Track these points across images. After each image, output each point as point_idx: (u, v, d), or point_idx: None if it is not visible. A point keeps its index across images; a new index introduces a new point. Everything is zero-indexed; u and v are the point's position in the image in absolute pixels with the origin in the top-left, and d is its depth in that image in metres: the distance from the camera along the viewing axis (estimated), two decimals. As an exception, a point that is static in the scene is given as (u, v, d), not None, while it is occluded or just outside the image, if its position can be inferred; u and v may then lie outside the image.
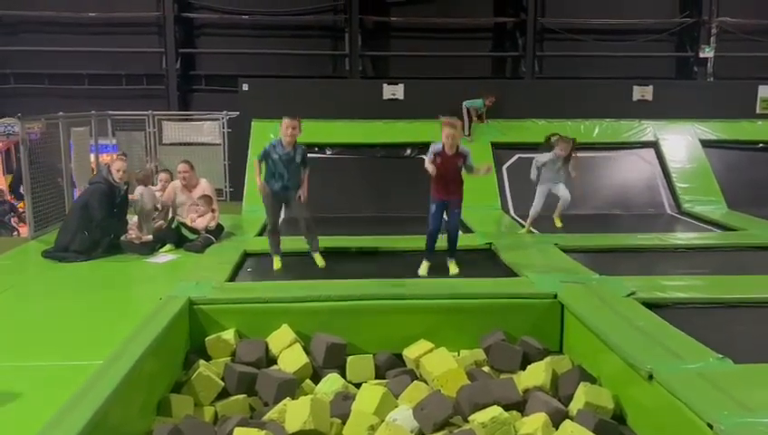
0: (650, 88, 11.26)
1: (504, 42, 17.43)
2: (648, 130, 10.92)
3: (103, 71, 16.36)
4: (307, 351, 5.15)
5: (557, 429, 4.09)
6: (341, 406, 4.44)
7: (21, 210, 11.89)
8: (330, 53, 17.01)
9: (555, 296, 5.50)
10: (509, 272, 6.40)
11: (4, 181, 13.32)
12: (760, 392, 3.69)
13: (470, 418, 4.22)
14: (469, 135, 10.54)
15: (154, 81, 16.65)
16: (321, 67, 16.72)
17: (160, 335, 4.56)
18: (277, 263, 6.65)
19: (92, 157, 10.94)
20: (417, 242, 6.78)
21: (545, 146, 8.13)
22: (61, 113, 9.05)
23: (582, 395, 4.33)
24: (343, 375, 5.01)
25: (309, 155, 6.73)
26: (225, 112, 12.41)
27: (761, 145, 11.00)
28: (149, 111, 12.44)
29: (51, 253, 7.06)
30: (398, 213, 9.09)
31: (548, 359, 4.94)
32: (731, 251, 7.43)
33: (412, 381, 4.77)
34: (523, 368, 4.97)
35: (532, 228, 8.09)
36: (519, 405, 4.42)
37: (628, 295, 5.43)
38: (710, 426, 3.36)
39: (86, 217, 7.07)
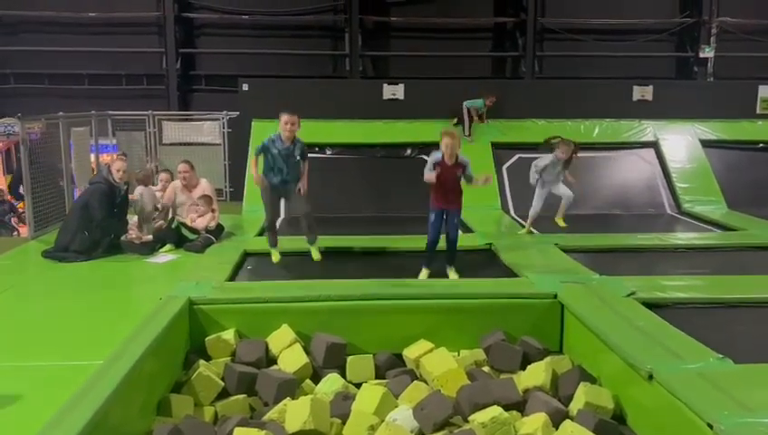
0: (650, 88, 11.27)
1: (504, 42, 17.43)
2: (648, 130, 10.92)
3: (103, 71, 16.35)
4: (307, 351, 5.15)
5: (557, 429, 4.09)
6: (341, 406, 4.44)
7: (21, 210, 11.89)
8: (330, 53, 17.01)
9: (555, 296, 5.50)
10: (509, 272, 6.40)
11: (3, 181, 13.32)
12: (760, 392, 3.69)
13: (470, 418, 4.22)
14: (469, 135, 10.54)
15: (154, 81, 16.65)
16: (321, 67, 16.72)
17: (160, 335, 4.57)
18: (276, 256, 6.66)
19: (92, 157, 10.94)
20: (418, 242, 6.78)
21: (544, 147, 8.10)
22: (61, 113, 9.05)
23: (582, 395, 4.33)
24: (343, 375, 5.01)
25: (309, 155, 6.73)
26: (225, 112, 12.42)
27: (761, 145, 11.01)
28: (150, 111, 12.44)
29: (51, 253, 7.06)
30: (398, 213, 9.09)
31: (548, 359, 4.94)
32: (731, 251, 7.43)
33: (412, 381, 4.77)
34: (523, 368, 4.97)
35: (532, 229, 8.08)
36: (519, 405, 4.42)
37: (629, 295, 5.43)
38: (710, 426, 3.36)
39: (86, 217, 7.08)
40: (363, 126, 10.73)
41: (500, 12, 17.13)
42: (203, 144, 12.52)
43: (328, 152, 10.45)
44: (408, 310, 5.45)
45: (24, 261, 7.21)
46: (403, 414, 4.28)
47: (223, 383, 4.77)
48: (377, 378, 5.05)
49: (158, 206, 7.95)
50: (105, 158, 11.08)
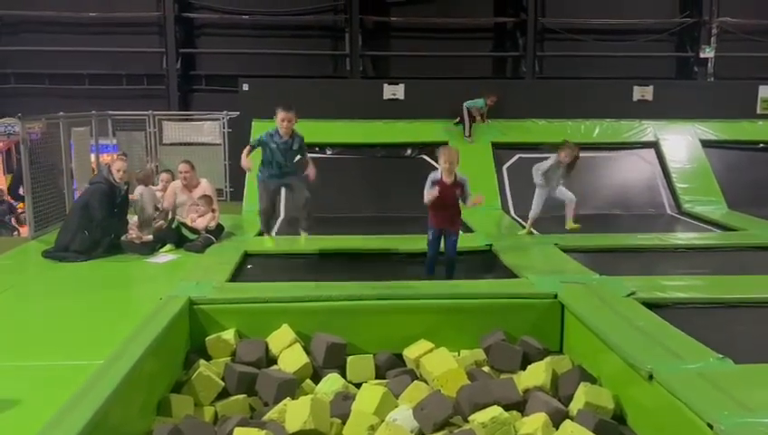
0: (651, 88, 11.27)
1: (505, 42, 17.43)
2: (648, 130, 10.92)
3: (104, 71, 16.36)
4: (307, 351, 5.15)
5: (557, 429, 4.09)
6: (341, 406, 4.44)
7: (20, 211, 11.89)
8: (330, 53, 17.01)
9: (555, 296, 5.49)
10: (509, 272, 6.40)
11: (3, 181, 13.33)
12: (760, 392, 3.69)
13: (470, 418, 4.22)
14: (470, 136, 10.54)
15: (154, 81, 16.66)
16: (321, 67, 16.72)
17: (160, 335, 4.56)
18: (270, 242, 6.66)
19: (93, 157, 10.94)
20: (418, 242, 6.78)
21: (548, 148, 8.05)
22: (61, 113, 9.06)
23: (582, 395, 4.33)
24: (343, 375, 5.00)
25: (309, 155, 6.74)
26: (225, 112, 12.42)
27: (761, 145, 11.01)
28: (150, 111, 12.45)
29: (51, 253, 7.06)
30: (398, 213, 9.09)
31: (548, 359, 4.94)
32: (731, 251, 7.43)
33: (412, 381, 4.76)
34: (524, 368, 4.97)
35: (532, 229, 8.08)
36: (519, 405, 4.42)
37: (629, 295, 5.43)
38: (710, 426, 3.36)
39: (86, 216, 7.08)
40: (363, 126, 10.73)
41: (500, 12, 17.14)
42: (203, 144, 12.53)
43: (328, 152, 10.45)
44: (409, 310, 5.45)
45: (25, 261, 7.21)
46: (403, 414, 4.28)
47: (223, 383, 4.77)
48: (377, 378, 5.05)
49: (159, 206, 7.95)
50: (105, 158, 11.08)
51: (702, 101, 11.21)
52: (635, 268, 6.51)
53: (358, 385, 4.82)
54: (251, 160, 6.45)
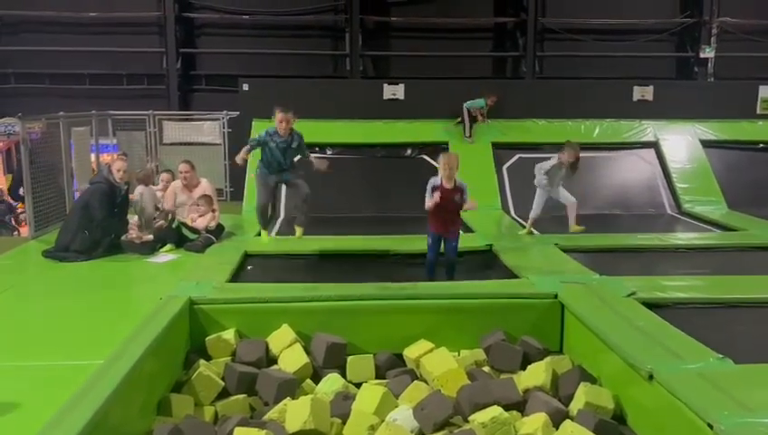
0: (651, 88, 11.28)
1: (505, 42, 17.42)
2: (648, 130, 10.92)
3: (104, 70, 16.35)
4: (307, 351, 5.15)
5: (557, 429, 4.09)
6: (342, 406, 4.44)
7: (19, 211, 11.89)
8: (330, 52, 17.00)
9: (555, 296, 5.50)
10: (509, 272, 6.40)
11: (4, 181, 13.32)
12: (760, 392, 3.69)
13: (470, 418, 4.23)
14: (470, 136, 10.55)
15: (155, 80, 16.65)
16: (321, 67, 16.71)
17: (161, 335, 4.57)
18: (265, 237, 6.68)
19: (93, 157, 10.94)
20: (418, 242, 6.78)
21: (549, 149, 8.03)
22: (61, 113, 9.05)
23: (582, 395, 4.33)
24: (343, 375, 5.01)
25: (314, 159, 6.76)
26: (225, 112, 12.42)
27: (761, 145, 11.01)
28: (150, 111, 12.45)
29: (51, 253, 7.06)
30: (398, 213, 9.09)
31: (548, 359, 4.94)
32: (731, 251, 7.43)
33: (412, 381, 4.77)
34: (524, 368, 4.97)
35: (532, 229, 8.08)
36: (519, 405, 4.42)
37: (629, 296, 5.43)
38: (710, 426, 3.36)
39: (87, 216, 7.08)
40: (363, 126, 10.73)
41: (500, 12, 17.13)
42: (203, 144, 12.53)
43: (328, 152, 10.45)
44: (409, 310, 5.45)
45: (25, 261, 7.21)
46: (403, 414, 4.28)
47: (223, 383, 4.77)
48: (377, 378, 5.05)
49: (159, 206, 7.95)
50: (105, 157, 11.08)
51: (702, 101, 11.21)
52: (635, 268, 6.51)
53: (358, 385, 4.83)
54: (244, 156, 6.49)
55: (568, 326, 5.36)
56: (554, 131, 10.56)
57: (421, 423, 4.20)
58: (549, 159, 7.84)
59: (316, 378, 5.00)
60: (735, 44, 16.75)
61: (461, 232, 6.69)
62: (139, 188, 7.94)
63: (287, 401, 4.39)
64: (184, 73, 16.67)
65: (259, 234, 7.11)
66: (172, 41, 16.33)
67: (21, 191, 11.09)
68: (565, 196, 7.88)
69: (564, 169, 7.75)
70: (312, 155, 6.73)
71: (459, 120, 10.64)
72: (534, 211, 7.96)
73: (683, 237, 8.14)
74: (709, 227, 8.77)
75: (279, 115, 6.28)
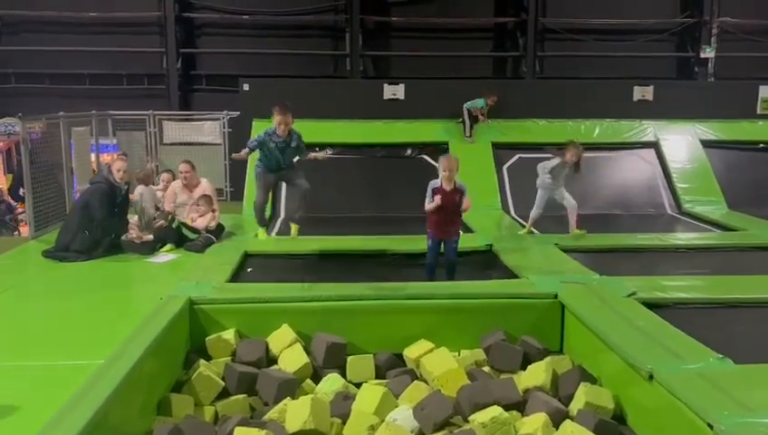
0: (651, 88, 11.26)
1: (505, 42, 17.42)
2: (648, 130, 10.91)
3: (104, 70, 16.35)
4: (307, 350, 5.15)
5: (557, 429, 4.09)
6: (342, 406, 4.44)
7: (18, 211, 11.88)
8: (330, 52, 17.00)
9: (555, 296, 5.50)
10: (509, 272, 6.40)
11: (4, 181, 13.33)
12: (760, 392, 3.69)
13: (470, 418, 4.22)
14: (470, 136, 10.55)
15: (155, 80, 16.65)
16: (321, 67, 16.71)
17: (160, 335, 4.57)
18: (262, 234, 6.67)
19: (93, 156, 10.94)
20: (418, 243, 6.78)
21: (552, 150, 8.00)
22: (62, 113, 9.06)
23: (583, 395, 4.33)
24: (343, 375, 5.01)
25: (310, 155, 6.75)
26: (225, 112, 12.42)
27: (761, 145, 11.00)
28: (150, 111, 12.46)
29: (51, 252, 7.06)
30: (398, 213, 9.09)
31: (548, 359, 4.94)
32: (731, 251, 7.43)
33: (412, 381, 4.77)
34: (524, 368, 4.97)
35: (532, 229, 8.07)
36: (519, 405, 4.42)
37: (629, 296, 5.43)
38: (710, 426, 3.36)
39: (87, 216, 7.08)
40: (363, 126, 10.73)
41: (500, 12, 17.13)
42: (203, 144, 12.54)
43: (328, 152, 10.44)
44: (409, 310, 5.45)
45: (25, 261, 7.21)
46: (403, 414, 4.28)
47: (223, 383, 4.77)
48: (377, 378, 5.05)
49: (159, 205, 7.95)
50: (106, 157, 11.08)
51: (702, 101, 11.21)
52: (635, 268, 6.51)
53: (358, 385, 4.83)
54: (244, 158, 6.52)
55: (568, 326, 5.36)
56: (554, 131, 10.56)
57: (421, 423, 4.20)
58: (551, 158, 7.82)
59: (316, 378, 5.00)
60: (736, 44, 16.75)
61: (461, 232, 6.68)
62: (140, 188, 7.95)
63: (287, 401, 4.39)
64: (184, 73, 16.67)
65: (257, 234, 7.11)
66: (172, 41, 16.34)
67: (21, 192, 11.09)
68: (567, 198, 7.83)
69: (568, 168, 7.73)
70: (312, 154, 6.72)
71: (460, 120, 10.63)
72: (535, 211, 7.96)
73: (683, 237, 8.14)
74: (709, 227, 8.77)
75: (277, 117, 6.29)
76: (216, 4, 16.52)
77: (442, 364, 4.88)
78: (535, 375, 4.75)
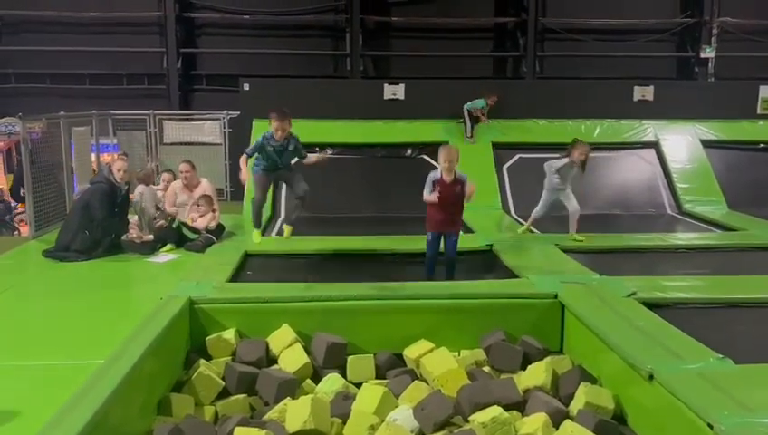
0: (651, 88, 11.26)
1: (505, 42, 17.42)
2: (648, 130, 10.91)
3: (104, 70, 16.36)
4: (307, 350, 5.15)
5: (557, 429, 4.09)
6: (342, 406, 4.44)
7: (17, 211, 11.87)
8: (331, 52, 17.01)
9: (556, 296, 5.50)
10: (509, 272, 6.40)
11: (4, 180, 13.32)
12: (760, 392, 3.69)
13: (470, 418, 4.23)
14: (471, 136, 10.54)
15: (155, 80, 16.66)
16: (322, 67, 16.72)
17: (161, 335, 4.57)
18: (257, 236, 6.68)
19: (93, 156, 10.95)
20: (418, 242, 6.77)
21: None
22: (62, 113, 9.06)
23: (583, 395, 4.33)
24: (344, 375, 5.01)
25: (310, 155, 6.74)
26: (225, 112, 12.42)
27: (761, 145, 10.99)
28: (150, 111, 12.46)
29: (52, 252, 7.06)
30: (398, 213, 9.08)
31: (548, 359, 4.94)
32: (731, 251, 7.43)
33: (412, 380, 4.77)
34: (524, 368, 4.97)
35: (532, 228, 8.06)
36: (519, 405, 4.42)
37: (629, 296, 5.43)
38: (710, 426, 3.37)
39: (87, 216, 7.09)
40: (364, 126, 10.72)
41: (501, 12, 17.13)
42: (204, 144, 12.55)
43: (328, 152, 10.45)
44: (409, 310, 5.45)
45: (25, 260, 7.21)
46: (403, 414, 4.28)
47: (223, 383, 4.77)
48: (377, 378, 5.05)
49: (160, 205, 7.95)
50: (106, 157, 11.09)
51: (702, 101, 11.20)
52: (635, 268, 6.51)
53: (358, 385, 4.83)
54: (249, 172, 6.48)
55: (568, 326, 5.36)
56: (555, 131, 10.56)
57: (421, 423, 4.20)
58: (557, 158, 7.73)
59: (316, 378, 5.01)
60: (736, 44, 16.75)
61: (461, 232, 6.67)
62: (140, 188, 7.95)
63: (287, 400, 4.39)
64: (184, 73, 16.68)
65: (262, 233, 7.09)
66: (173, 41, 16.34)
67: (22, 192, 11.09)
68: (571, 201, 7.73)
69: (576, 167, 7.67)
70: (309, 161, 6.66)
71: (461, 120, 10.63)
72: (538, 211, 7.86)
73: (683, 237, 8.14)
74: (709, 228, 8.77)
75: (274, 123, 6.30)
76: (217, 4, 16.52)
77: (442, 364, 4.88)
78: (535, 375, 4.75)
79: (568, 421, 4.10)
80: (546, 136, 10.50)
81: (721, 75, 16.68)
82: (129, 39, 16.34)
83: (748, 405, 3.51)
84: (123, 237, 7.33)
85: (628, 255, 7.22)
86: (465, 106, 10.52)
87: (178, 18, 16.36)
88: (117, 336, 4.50)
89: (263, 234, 6.98)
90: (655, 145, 10.78)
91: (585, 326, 4.96)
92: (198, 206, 7.72)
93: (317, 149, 9.96)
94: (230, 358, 5.10)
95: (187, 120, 13.42)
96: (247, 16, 16.50)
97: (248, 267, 6.77)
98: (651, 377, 3.98)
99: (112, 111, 12.27)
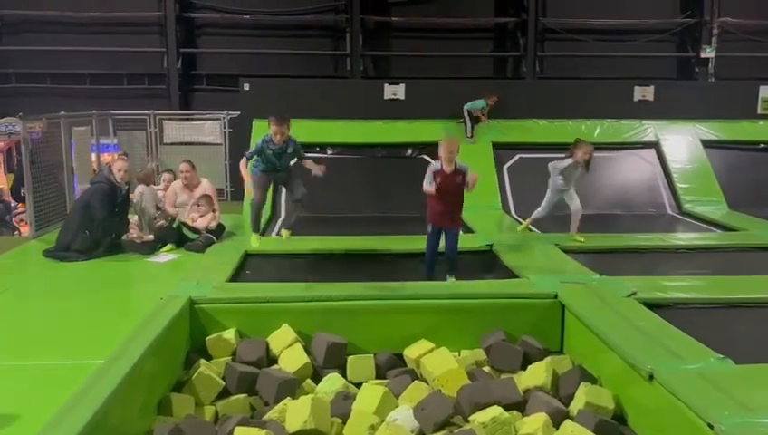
0: (651, 88, 11.26)
1: (506, 42, 17.41)
2: (649, 130, 10.91)
3: (105, 70, 16.34)
4: (308, 350, 5.15)
5: (557, 429, 4.09)
6: (342, 406, 4.44)
7: (17, 211, 11.87)
8: (331, 52, 17.00)
9: (556, 296, 5.50)
10: (510, 272, 6.40)
11: (5, 180, 13.32)
12: (760, 392, 3.69)
13: (470, 418, 4.23)
14: (471, 136, 10.54)
15: (155, 80, 16.64)
16: (322, 67, 16.71)
17: (161, 335, 4.57)
18: (255, 241, 6.67)
19: (94, 156, 10.94)
20: (418, 242, 6.77)
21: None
22: (62, 113, 9.06)
23: (583, 395, 4.33)
24: (344, 375, 5.01)
25: (310, 155, 6.74)
26: (226, 112, 12.42)
27: (762, 145, 11.00)
28: (151, 111, 12.46)
29: (52, 252, 7.07)
30: (398, 213, 9.09)
31: (548, 359, 4.95)
32: (732, 251, 7.43)
33: (413, 380, 4.77)
34: (524, 368, 4.98)
35: (531, 227, 8.05)
36: (519, 405, 4.43)
37: (629, 296, 5.43)
38: (710, 426, 3.37)
39: (87, 216, 7.09)
40: (364, 126, 10.73)
41: (501, 12, 17.12)
42: (204, 144, 12.54)
43: (329, 152, 10.46)
44: (409, 310, 5.45)
45: (25, 260, 7.21)
46: (403, 414, 4.28)
47: (223, 383, 4.77)
48: (377, 378, 5.05)
49: (160, 205, 7.95)
50: (106, 157, 11.08)
51: (703, 101, 11.20)
52: (635, 268, 6.51)
53: (358, 385, 4.83)
54: (248, 174, 6.48)
55: (568, 326, 5.36)
56: (555, 131, 10.57)
57: (421, 423, 4.20)
58: (560, 158, 7.68)
59: (316, 378, 5.01)
60: (736, 44, 16.73)
61: (461, 232, 6.66)
62: (140, 188, 7.94)
63: (287, 400, 4.40)
64: (184, 73, 16.66)
65: (262, 233, 7.10)
66: (173, 41, 16.33)
67: (22, 192, 11.09)
68: (574, 201, 7.69)
69: (580, 167, 7.64)
70: (309, 155, 6.69)
71: (461, 120, 10.64)
72: (541, 211, 7.82)
73: (683, 238, 8.14)
74: (710, 228, 8.77)
75: (273, 127, 6.30)
76: (217, 3, 16.51)
77: (442, 364, 4.89)
78: (535, 375, 4.75)
79: (568, 421, 4.10)
80: (546, 136, 10.51)
81: (721, 75, 16.66)
82: (129, 39, 16.33)
83: (748, 405, 3.51)
84: (123, 237, 7.33)
85: (629, 255, 7.22)
86: (465, 106, 10.52)
87: (178, 18, 16.35)
88: (117, 336, 4.50)
89: (262, 235, 6.99)
90: (655, 145, 10.78)
91: (585, 326, 4.96)
92: (199, 206, 7.72)
93: (317, 149, 9.98)
94: (230, 358, 5.10)
95: (188, 120, 13.42)
96: (247, 16, 16.49)
97: (248, 267, 6.77)
98: (651, 377, 3.98)
99: (113, 111, 12.27)
